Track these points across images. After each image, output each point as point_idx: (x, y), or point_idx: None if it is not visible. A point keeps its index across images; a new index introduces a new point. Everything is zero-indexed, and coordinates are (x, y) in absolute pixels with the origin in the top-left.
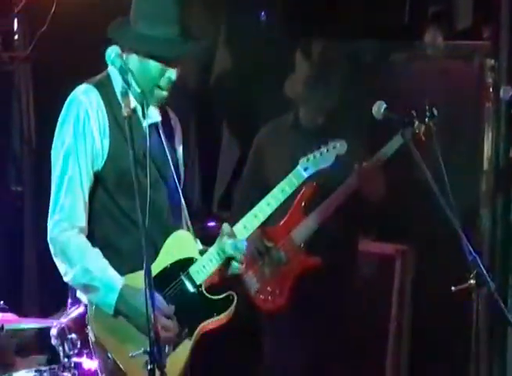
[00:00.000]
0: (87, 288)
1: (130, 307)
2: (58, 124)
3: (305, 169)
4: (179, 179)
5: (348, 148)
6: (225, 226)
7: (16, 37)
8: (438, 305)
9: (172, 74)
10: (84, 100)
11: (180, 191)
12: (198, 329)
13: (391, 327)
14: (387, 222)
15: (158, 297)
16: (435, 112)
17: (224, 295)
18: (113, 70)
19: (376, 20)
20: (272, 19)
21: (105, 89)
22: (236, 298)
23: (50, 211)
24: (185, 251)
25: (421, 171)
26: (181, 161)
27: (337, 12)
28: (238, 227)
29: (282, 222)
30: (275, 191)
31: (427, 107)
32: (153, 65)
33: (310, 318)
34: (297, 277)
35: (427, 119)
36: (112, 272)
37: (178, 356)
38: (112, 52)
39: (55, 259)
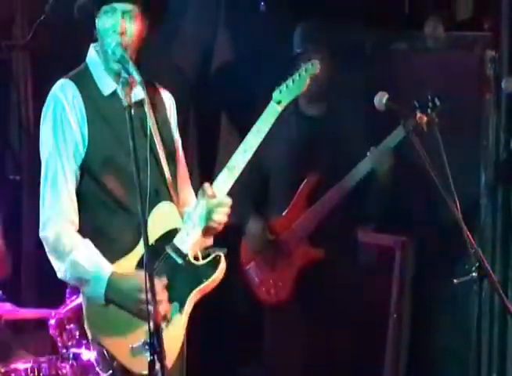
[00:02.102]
0: (79, 281)
1: (120, 294)
2: (40, 122)
3: (279, 102)
4: (174, 153)
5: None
6: (206, 186)
7: (15, 25)
8: (438, 297)
9: (115, 25)
10: (60, 95)
11: (166, 168)
12: (188, 300)
13: (390, 319)
14: (387, 213)
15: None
16: (437, 102)
17: (210, 258)
18: (92, 61)
19: (376, 10)
20: (271, 9)
21: (82, 81)
22: (223, 257)
23: (40, 208)
24: (168, 223)
25: (423, 162)
26: (176, 136)
27: (337, 2)
28: (218, 182)
29: (284, 214)
30: (251, 134)
31: (429, 98)
32: (100, 23)
33: (309, 310)
34: (300, 270)
35: (429, 110)
36: (100, 262)
37: (172, 333)
38: (112, 41)
39: (49, 257)
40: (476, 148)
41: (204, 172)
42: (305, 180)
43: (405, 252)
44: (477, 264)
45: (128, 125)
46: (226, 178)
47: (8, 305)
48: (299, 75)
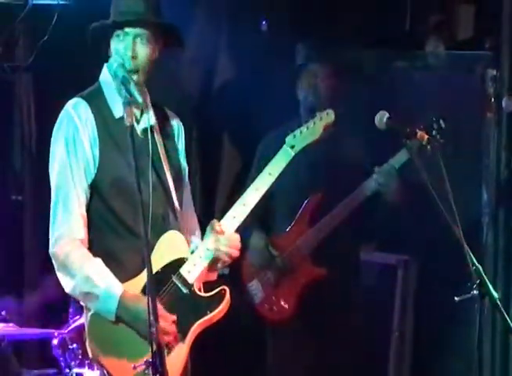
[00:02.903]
0: (87, 297)
1: (131, 313)
2: (51, 140)
3: (292, 147)
4: (181, 181)
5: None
6: (214, 222)
7: (17, 47)
8: (440, 316)
9: (127, 48)
10: (73, 114)
11: (174, 195)
12: (192, 330)
13: (393, 338)
14: (389, 232)
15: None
16: (443, 124)
17: (216, 291)
18: (105, 81)
19: (377, 29)
20: (273, 29)
21: (95, 100)
22: (227, 291)
23: (50, 226)
24: (176, 252)
25: (424, 181)
26: (183, 163)
27: (338, 21)
28: (227, 218)
29: (288, 231)
30: (263, 175)
31: (434, 119)
32: (113, 45)
33: (312, 327)
34: (302, 288)
35: (434, 132)
36: (112, 280)
37: (173, 361)
38: (114, 62)
39: (57, 273)
40: (477, 167)
41: (206, 194)
42: (309, 198)
43: (408, 271)
44: (478, 281)
45: (130, 145)
46: (236, 215)
47: (11, 325)
48: (314, 123)
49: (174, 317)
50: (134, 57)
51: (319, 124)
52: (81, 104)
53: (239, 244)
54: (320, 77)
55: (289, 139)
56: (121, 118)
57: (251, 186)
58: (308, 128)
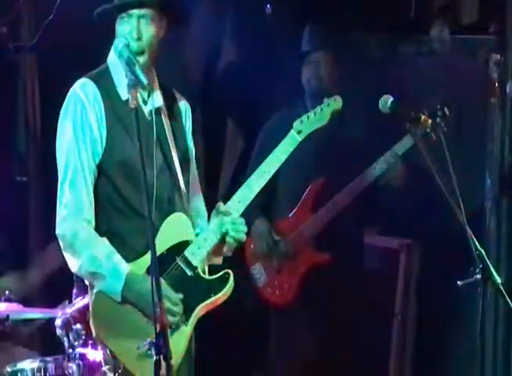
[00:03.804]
0: (94, 276)
1: (137, 293)
2: (59, 120)
3: (299, 132)
4: (188, 163)
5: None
6: (220, 205)
7: (22, 27)
8: (442, 300)
9: (132, 31)
10: (80, 94)
11: (181, 177)
12: (195, 313)
13: (395, 321)
14: (392, 216)
15: (164, 284)
16: (447, 112)
17: (220, 274)
18: (112, 62)
19: (382, 14)
20: (278, 12)
21: (102, 81)
22: (231, 274)
23: (57, 206)
24: (181, 235)
25: (428, 166)
26: (190, 145)
27: (342, 5)
28: (233, 201)
29: (291, 216)
30: (270, 159)
31: (438, 106)
32: (117, 30)
33: (315, 311)
34: (305, 272)
35: (438, 119)
36: (118, 260)
37: (176, 343)
38: (119, 43)
39: (64, 253)
40: (481, 152)
41: (208, 175)
42: (312, 183)
43: (410, 255)
44: (481, 266)
45: (135, 127)
46: (241, 199)
47: (15, 305)
48: (321, 109)
49: (181, 296)
50: (139, 38)
51: (326, 110)
52: (89, 84)
53: (245, 228)
54: (324, 64)
55: (296, 124)
56: (128, 100)
57: (257, 170)
58: (315, 114)
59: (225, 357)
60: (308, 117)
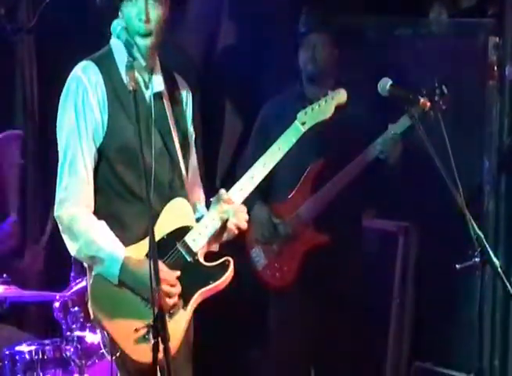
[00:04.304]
0: (92, 260)
1: (134, 277)
2: (60, 102)
3: (303, 123)
4: (188, 148)
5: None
6: (222, 192)
7: (20, 8)
8: (441, 283)
9: (141, 11)
10: (82, 77)
11: (182, 162)
12: (194, 298)
13: (393, 304)
14: (390, 198)
15: (161, 264)
16: (445, 90)
17: (220, 261)
18: (115, 44)
19: None
20: None
21: (105, 64)
22: (231, 262)
23: (56, 188)
24: (182, 220)
25: (426, 149)
26: (190, 129)
27: None
28: (234, 190)
29: (289, 198)
30: (272, 149)
31: (436, 85)
32: (125, 10)
33: (313, 294)
34: (304, 254)
35: (436, 97)
36: (116, 243)
37: (174, 328)
38: (117, 25)
39: (62, 235)
40: (479, 135)
41: (207, 159)
42: (311, 165)
43: (408, 238)
44: (479, 249)
45: (134, 110)
46: (243, 188)
47: (13, 288)
48: (325, 101)
49: (178, 273)
50: (147, 21)
51: (331, 102)
52: (91, 67)
53: (246, 216)
54: (320, 47)
55: (300, 115)
56: None
57: (260, 159)
58: (319, 106)
59: (223, 340)
60: (312, 109)
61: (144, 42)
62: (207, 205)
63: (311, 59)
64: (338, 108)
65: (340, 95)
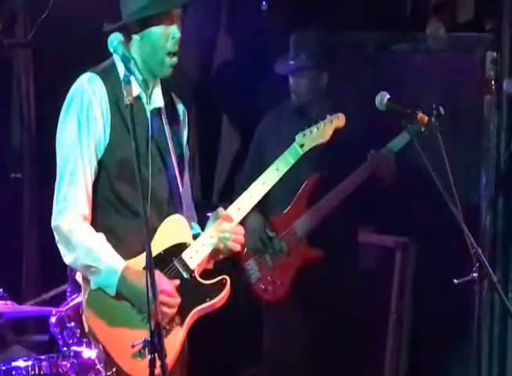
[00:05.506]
0: (89, 269)
1: (131, 289)
2: (62, 112)
3: (301, 146)
4: (183, 166)
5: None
6: (220, 210)
7: (17, 23)
8: (438, 298)
9: (175, 32)
10: (87, 88)
11: (179, 179)
12: (190, 315)
13: (391, 320)
14: (388, 214)
15: (159, 275)
16: (442, 111)
17: (217, 279)
18: (117, 58)
19: (378, 11)
20: (273, 9)
21: (108, 77)
22: (228, 281)
23: (54, 199)
24: (179, 237)
25: (424, 164)
26: (185, 149)
27: (339, 2)
28: (232, 209)
29: (285, 213)
30: (270, 170)
31: (433, 106)
32: (155, 33)
33: (309, 309)
34: (298, 269)
35: (433, 118)
36: (114, 255)
37: (170, 344)
38: (114, 39)
39: (58, 245)
40: (477, 150)
41: (204, 175)
42: (307, 180)
43: (406, 253)
44: (477, 264)
45: (130, 125)
46: (241, 207)
47: (9, 303)
48: (324, 124)
49: (177, 282)
50: (170, 53)
51: (329, 126)
52: (95, 79)
53: (243, 239)
54: (307, 81)
55: (299, 137)
56: (135, 97)
57: (258, 179)
58: (318, 129)
59: (217, 354)
60: (310, 132)
61: (172, 61)
62: (204, 220)
63: (299, 90)
64: (336, 131)
65: (339, 120)
